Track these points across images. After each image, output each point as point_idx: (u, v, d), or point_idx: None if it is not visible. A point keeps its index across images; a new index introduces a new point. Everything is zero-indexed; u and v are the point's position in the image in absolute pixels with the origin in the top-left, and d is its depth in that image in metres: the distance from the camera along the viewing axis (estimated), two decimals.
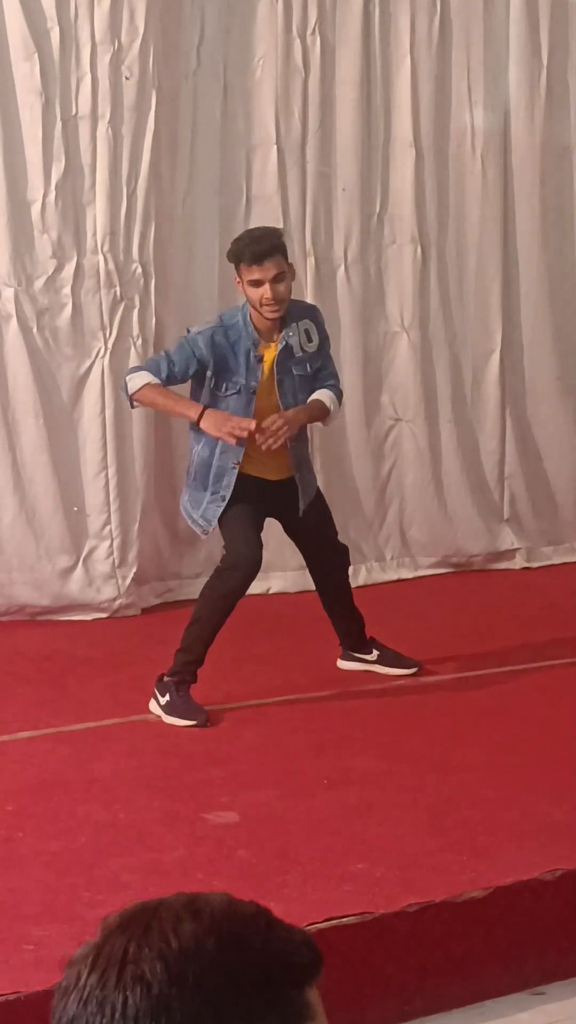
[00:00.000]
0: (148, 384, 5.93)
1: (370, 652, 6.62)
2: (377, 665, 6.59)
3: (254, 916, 1.48)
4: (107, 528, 7.63)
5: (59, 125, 7.36)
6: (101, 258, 7.51)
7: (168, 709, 6.00)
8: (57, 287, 7.44)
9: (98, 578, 7.64)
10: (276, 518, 6.36)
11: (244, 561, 6.07)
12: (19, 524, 7.44)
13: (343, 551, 6.55)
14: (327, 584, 6.52)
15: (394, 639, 6.72)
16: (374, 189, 8.31)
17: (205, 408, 5.91)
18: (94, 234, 7.50)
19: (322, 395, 6.15)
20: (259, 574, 8.05)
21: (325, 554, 6.44)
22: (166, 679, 6.07)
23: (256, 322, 6.01)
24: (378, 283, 8.37)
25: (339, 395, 6.27)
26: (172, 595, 7.96)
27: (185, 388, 6.16)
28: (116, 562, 7.64)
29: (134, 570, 7.68)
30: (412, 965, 4.36)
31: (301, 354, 6.10)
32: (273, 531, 8.09)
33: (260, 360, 6.02)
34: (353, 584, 8.23)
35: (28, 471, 7.47)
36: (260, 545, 6.14)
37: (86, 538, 7.62)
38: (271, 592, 8.12)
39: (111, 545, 7.62)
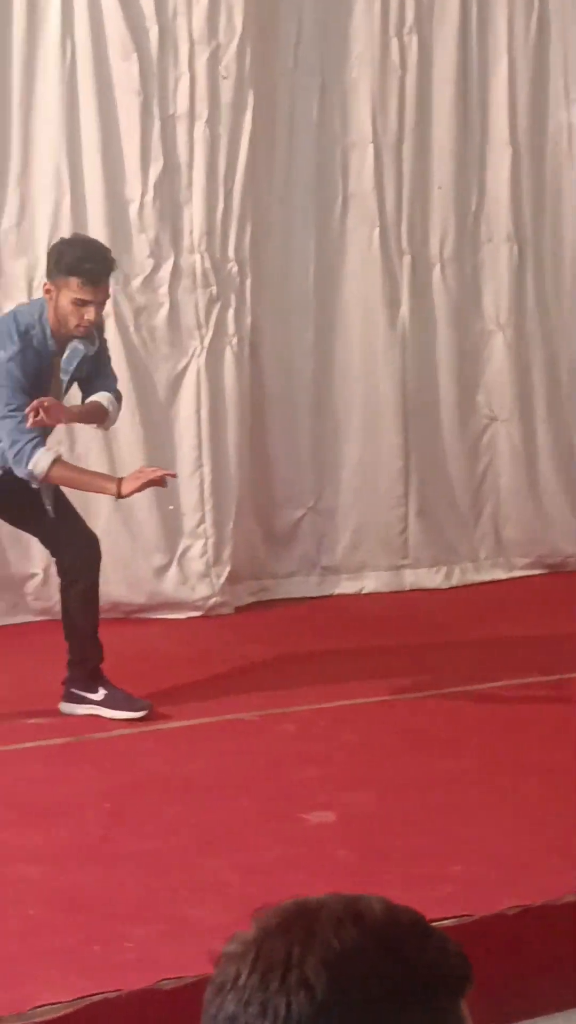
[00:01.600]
0: (56, 464, 5.58)
1: (96, 690, 6.01)
2: (101, 707, 5.97)
3: (413, 924, 1.46)
4: (202, 527, 7.65)
5: (157, 124, 7.39)
6: (198, 257, 7.53)
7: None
8: (154, 286, 7.47)
9: (192, 576, 7.66)
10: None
11: None
12: (114, 522, 7.47)
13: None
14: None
15: (487, 641, 6.68)
16: (470, 187, 8.27)
17: (119, 480, 5.68)
18: (191, 233, 7.52)
19: (101, 397, 5.87)
20: (352, 574, 8.13)
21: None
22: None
23: (55, 330, 5.65)
24: (474, 281, 8.33)
25: (118, 396, 5.98)
26: (266, 594, 7.97)
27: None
28: (210, 561, 7.65)
29: (228, 569, 7.69)
30: (510, 968, 4.32)
31: (85, 357, 5.82)
32: (367, 530, 8.10)
33: (63, 372, 5.79)
34: (446, 584, 8.27)
35: (123, 470, 7.46)
36: None
37: (181, 537, 7.64)
38: (365, 592, 8.11)
39: (206, 544, 7.63)
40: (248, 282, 7.67)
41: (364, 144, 7.96)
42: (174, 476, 5.70)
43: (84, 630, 6.00)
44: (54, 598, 7.17)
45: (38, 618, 7.25)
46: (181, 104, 7.44)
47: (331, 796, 5.20)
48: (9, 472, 5.66)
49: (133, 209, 7.40)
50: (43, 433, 5.66)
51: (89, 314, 5.59)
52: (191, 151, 7.48)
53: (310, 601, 7.95)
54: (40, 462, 5.55)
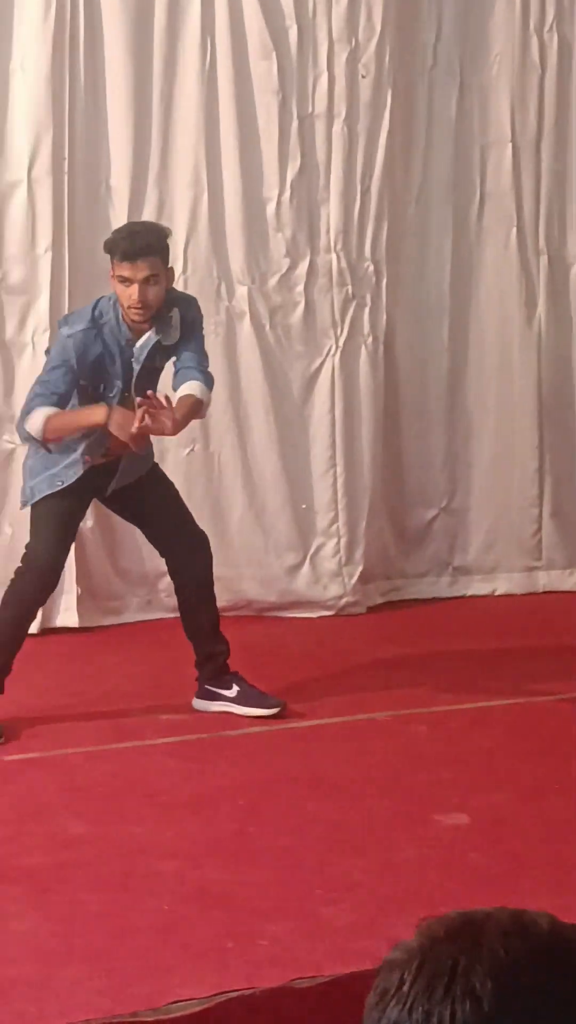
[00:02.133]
0: (48, 417, 5.55)
1: (230, 687, 6.03)
2: (234, 704, 6.00)
3: None
4: (334, 526, 7.65)
5: (295, 123, 7.40)
6: (334, 256, 7.53)
7: None
8: (290, 285, 7.48)
9: (324, 576, 7.66)
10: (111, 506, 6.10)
11: (39, 564, 5.79)
12: (248, 520, 7.50)
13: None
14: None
15: None
16: None
17: (110, 409, 5.55)
18: (327, 232, 7.52)
19: (191, 387, 5.75)
20: (484, 575, 8.09)
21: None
22: None
23: (127, 320, 5.67)
24: None
25: (208, 381, 5.84)
26: (397, 594, 7.95)
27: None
28: (343, 560, 7.65)
29: (360, 568, 7.68)
30: None
31: (162, 348, 5.76)
32: (500, 531, 8.05)
33: (136, 361, 5.71)
34: None
35: (258, 468, 7.52)
36: (63, 550, 5.86)
37: (314, 536, 7.64)
38: (497, 594, 8.07)
39: (338, 543, 7.63)
40: (384, 281, 7.66)
41: (502, 143, 7.91)
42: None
43: (204, 629, 6.02)
44: None
45: (171, 615, 7.27)
46: (319, 103, 7.44)
47: (464, 798, 5.18)
48: (102, 466, 5.74)
49: (270, 208, 7.42)
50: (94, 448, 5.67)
51: (133, 292, 5.54)
52: (329, 150, 7.48)
53: (442, 602, 7.93)
54: (35, 420, 5.56)
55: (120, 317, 5.66)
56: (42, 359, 6.99)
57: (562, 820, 4.99)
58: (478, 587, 8.10)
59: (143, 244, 5.59)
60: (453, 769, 5.46)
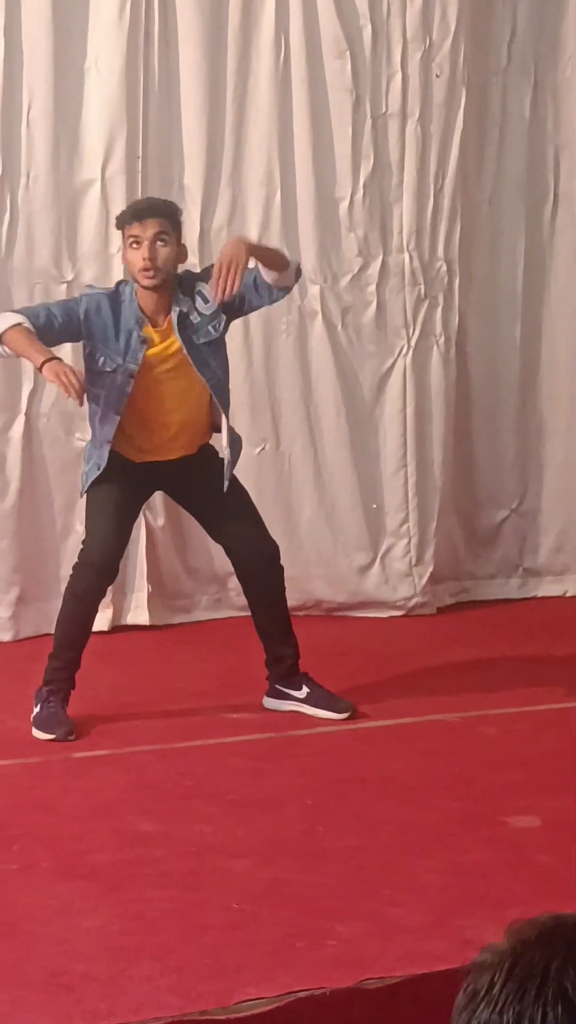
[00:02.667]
0: (15, 326, 5.52)
1: (300, 688, 6.05)
2: (305, 704, 6.01)
3: None
4: (405, 526, 7.63)
5: (368, 123, 7.40)
6: (406, 256, 7.52)
7: (35, 722, 5.74)
8: (362, 285, 7.47)
9: (394, 576, 7.65)
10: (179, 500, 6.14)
11: (96, 558, 5.79)
12: (318, 520, 7.50)
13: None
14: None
15: None
16: None
17: (55, 357, 5.45)
18: (400, 232, 7.51)
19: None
20: (554, 576, 8.05)
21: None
22: (42, 688, 5.82)
23: (141, 300, 5.70)
24: None
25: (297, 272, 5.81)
26: (467, 595, 7.93)
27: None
28: (413, 560, 7.64)
29: (430, 569, 7.67)
30: None
31: (198, 319, 5.73)
32: (571, 533, 8.01)
33: (144, 342, 5.68)
34: None
35: (328, 467, 7.52)
36: (116, 542, 5.83)
37: (384, 536, 7.63)
38: (568, 595, 8.04)
39: (408, 543, 7.62)
40: (456, 281, 7.64)
41: None
42: (79, 404, 5.59)
43: (271, 631, 6.02)
44: None
45: (241, 613, 7.28)
46: (393, 103, 7.43)
47: (533, 800, 5.15)
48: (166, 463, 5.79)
49: (343, 207, 7.41)
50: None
51: (144, 251, 5.58)
52: (402, 150, 7.47)
53: (512, 603, 7.90)
54: (4, 319, 5.58)
55: (133, 296, 5.71)
56: None
57: None
58: (548, 588, 8.07)
59: (152, 204, 5.78)
60: (523, 771, 5.44)
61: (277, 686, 6.05)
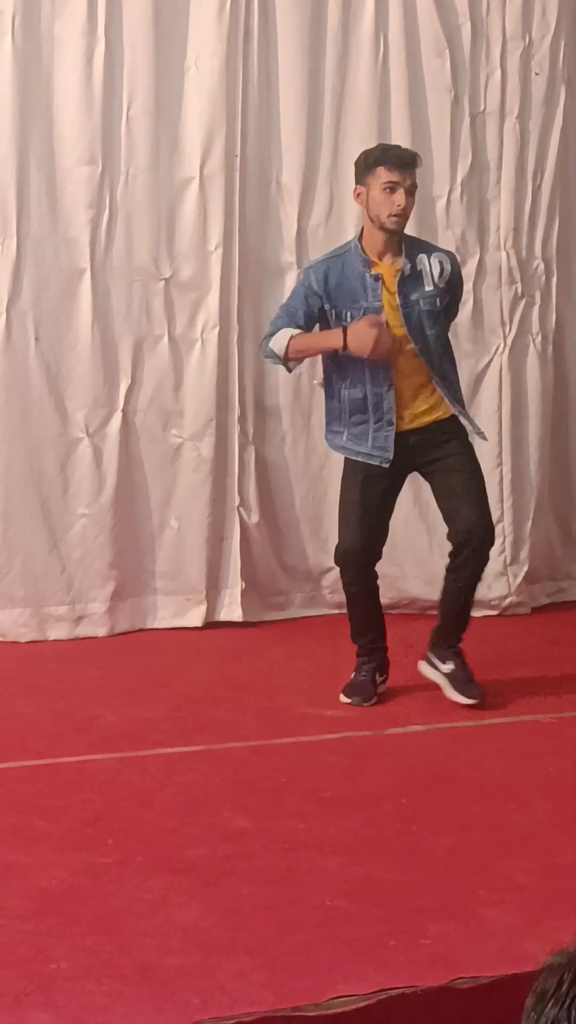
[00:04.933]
0: (292, 338, 5.80)
1: (446, 662, 6.21)
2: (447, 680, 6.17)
3: None
4: (500, 525, 7.59)
5: (467, 121, 7.39)
6: (503, 254, 7.50)
7: (344, 689, 6.09)
8: None
9: (489, 575, 7.59)
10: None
11: (349, 557, 6.03)
12: (412, 519, 7.49)
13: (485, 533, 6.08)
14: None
15: None
16: None
17: (344, 329, 5.74)
18: (497, 230, 7.50)
19: None
20: None
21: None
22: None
23: (366, 244, 5.89)
24: None
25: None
26: (563, 595, 7.90)
27: None
28: (508, 560, 7.61)
29: (525, 568, 7.65)
30: None
31: (431, 288, 5.89)
32: None
33: (378, 279, 5.85)
34: None
35: None
36: (373, 535, 6.02)
37: None
38: None
39: (503, 542, 7.59)
40: (554, 280, 7.62)
41: None
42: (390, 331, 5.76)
43: (448, 613, 6.20)
44: None
45: (334, 611, 7.31)
46: (492, 101, 7.42)
47: None
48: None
49: (440, 205, 7.41)
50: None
51: (399, 198, 5.77)
52: (500, 148, 7.46)
53: None
54: (279, 339, 5.81)
55: (357, 245, 5.89)
56: (212, 355, 7.07)
57: None
58: None
59: (414, 156, 5.91)
60: None
61: (430, 654, 6.23)
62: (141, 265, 7.09)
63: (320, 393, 7.30)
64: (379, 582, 6.18)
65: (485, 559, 6.09)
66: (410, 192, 5.81)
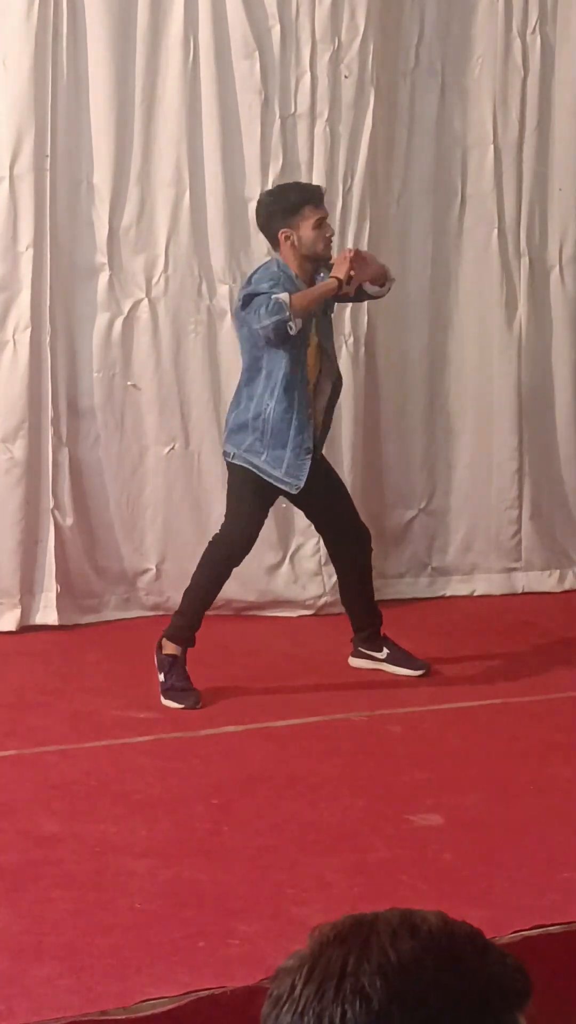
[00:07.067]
0: (292, 296, 5.98)
1: (380, 650, 6.63)
2: (386, 663, 6.61)
3: (471, 937, 1.46)
4: (312, 525, 7.63)
5: (277, 123, 7.40)
6: None
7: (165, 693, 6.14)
8: None
9: (304, 575, 7.66)
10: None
11: (241, 541, 6.28)
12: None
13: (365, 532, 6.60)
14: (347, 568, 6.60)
15: None
16: None
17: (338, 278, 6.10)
18: None
19: None
20: (463, 576, 8.10)
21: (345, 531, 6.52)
22: (164, 651, 6.23)
23: (300, 273, 6.17)
24: None
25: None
26: (376, 594, 7.90)
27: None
28: (322, 560, 7.64)
29: None
30: None
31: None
32: (478, 533, 8.06)
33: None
34: (559, 588, 8.22)
35: None
36: (260, 525, 6.35)
37: (293, 535, 7.65)
38: (476, 594, 8.08)
39: (317, 542, 7.61)
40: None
41: (484, 145, 7.91)
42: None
43: (359, 608, 6.64)
44: (166, 593, 7.24)
45: (150, 613, 7.29)
46: (302, 103, 7.44)
47: (438, 799, 5.19)
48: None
49: (252, 207, 7.40)
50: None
51: (327, 229, 6.19)
52: (311, 150, 7.49)
53: (420, 602, 7.92)
54: (281, 296, 5.95)
55: (291, 273, 6.14)
56: (24, 356, 7.01)
57: (535, 822, 5.01)
58: (457, 588, 8.11)
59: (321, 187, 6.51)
60: (427, 770, 5.47)
61: (360, 648, 6.64)
62: None
63: (134, 394, 7.30)
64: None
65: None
66: None
